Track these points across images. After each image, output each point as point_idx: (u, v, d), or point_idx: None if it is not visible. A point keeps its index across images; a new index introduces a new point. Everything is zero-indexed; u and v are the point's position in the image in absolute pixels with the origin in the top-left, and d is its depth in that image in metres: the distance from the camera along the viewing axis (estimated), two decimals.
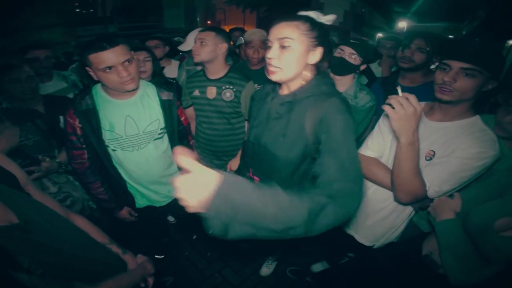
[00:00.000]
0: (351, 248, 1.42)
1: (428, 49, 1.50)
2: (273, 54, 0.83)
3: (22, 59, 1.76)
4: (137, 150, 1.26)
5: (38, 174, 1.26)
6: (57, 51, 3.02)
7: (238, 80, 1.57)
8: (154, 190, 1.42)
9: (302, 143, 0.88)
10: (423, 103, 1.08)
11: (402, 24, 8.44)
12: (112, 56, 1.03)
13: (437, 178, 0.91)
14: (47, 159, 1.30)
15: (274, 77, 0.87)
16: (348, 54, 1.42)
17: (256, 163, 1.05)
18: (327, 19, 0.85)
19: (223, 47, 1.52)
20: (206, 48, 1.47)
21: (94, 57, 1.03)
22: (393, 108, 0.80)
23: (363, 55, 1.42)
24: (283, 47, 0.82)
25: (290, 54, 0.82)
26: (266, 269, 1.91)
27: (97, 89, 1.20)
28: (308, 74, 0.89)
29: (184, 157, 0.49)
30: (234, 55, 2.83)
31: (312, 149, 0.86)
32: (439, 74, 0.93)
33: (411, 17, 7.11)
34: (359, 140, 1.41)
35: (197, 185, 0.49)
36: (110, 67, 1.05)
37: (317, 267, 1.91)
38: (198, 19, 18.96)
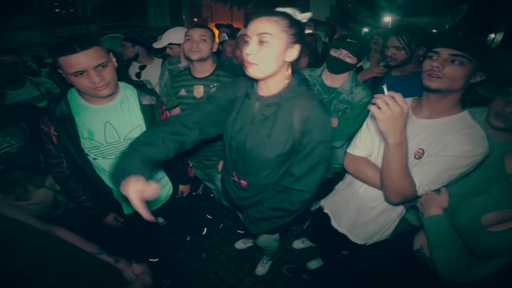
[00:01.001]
0: (345, 246, 1.42)
1: (402, 45, 1.50)
2: (251, 49, 0.81)
3: None
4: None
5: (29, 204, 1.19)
6: (37, 53, 2.87)
7: (226, 78, 1.53)
8: None
9: (290, 140, 0.91)
10: (410, 99, 1.07)
11: (387, 19, 8.58)
12: (83, 59, 0.94)
13: (426, 177, 0.90)
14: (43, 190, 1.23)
15: (251, 73, 0.84)
16: (345, 54, 1.40)
17: (241, 167, 1.04)
18: (303, 16, 0.84)
19: (215, 45, 1.50)
20: (207, 45, 1.44)
21: (64, 60, 0.94)
22: (379, 108, 0.78)
23: (360, 54, 1.41)
24: (261, 42, 0.80)
25: (269, 50, 0.81)
26: (262, 268, 1.90)
27: (73, 94, 1.11)
28: (287, 74, 0.90)
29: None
30: (217, 52, 2.79)
31: (297, 144, 0.92)
32: (428, 62, 0.92)
33: (396, 12, 7.22)
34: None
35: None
36: (81, 72, 0.96)
37: (313, 264, 1.91)
38: (184, 16, 18.56)
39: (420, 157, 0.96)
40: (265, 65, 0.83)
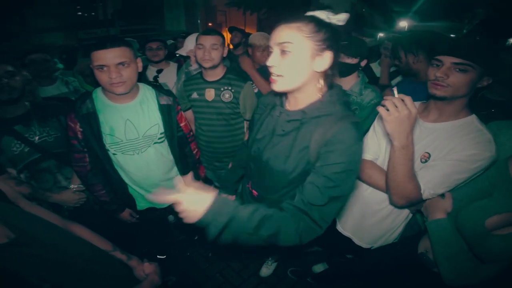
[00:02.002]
0: (350, 249, 1.42)
1: (392, 58, 1.57)
2: (273, 61, 0.75)
3: (21, 63, 1.79)
4: (138, 154, 1.26)
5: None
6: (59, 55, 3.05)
7: (236, 81, 1.58)
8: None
9: (304, 163, 0.81)
10: (417, 103, 1.07)
11: (403, 24, 8.43)
12: (108, 56, 1.05)
13: (432, 181, 0.90)
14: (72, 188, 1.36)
15: (276, 87, 0.78)
16: (343, 56, 1.44)
17: (255, 177, 1.02)
18: (338, 18, 0.73)
19: (226, 50, 1.56)
20: (218, 52, 1.49)
21: (94, 54, 1.06)
22: (388, 110, 0.79)
23: (357, 53, 1.43)
24: (283, 52, 0.73)
25: (291, 60, 0.73)
26: (266, 270, 1.92)
27: (98, 93, 1.21)
28: (319, 87, 0.79)
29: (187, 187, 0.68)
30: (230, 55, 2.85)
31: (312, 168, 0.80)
32: (432, 70, 0.93)
33: (412, 17, 7.10)
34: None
35: (194, 202, 0.66)
36: (103, 66, 1.06)
37: (319, 268, 1.91)
38: (198, 21, 18.96)
39: (426, 161, 0.96)
40: (290, 77, 0.75)
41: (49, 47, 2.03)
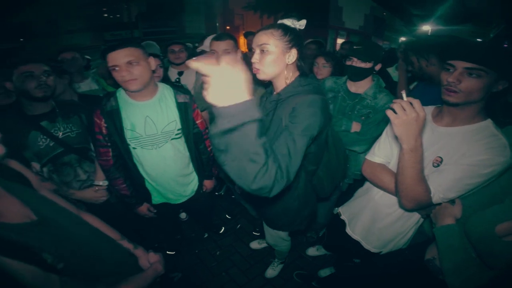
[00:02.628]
0: (358, 254, 1.41)
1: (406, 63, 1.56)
2: (255, 58, 0.99)
3: (54, 61, 1.93)
4: (155, 148, 1.34)
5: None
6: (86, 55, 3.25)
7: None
8: (170, 189, 1.50)
9: (279, 132, 0.97)
10: (432, 107, 1.06)
11: (426, 28, 8.14)
12: (118, 56, 1.15)
13: (442, 185, 0.89)
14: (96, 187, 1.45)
15: (258, 77, 1.01)
16: (356, 61, 1.45)
17: None
18: (300, 24, 1.00)
19: (239, 52, 1.60)
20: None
21: (108, 56, 1.17)
22: (396, 113, 0.80)
23: (371, 57, 1.43)
24: (262, 51, 0.97)
25: (268, 57, 0.96)
26: (272, 271, 1.93)
27: (120, 92, 1.31)
28: (290, 74, 1.02)
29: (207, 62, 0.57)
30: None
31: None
32: (444, 75, 0.91)
33: (436, 20, 6.84)
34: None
35: (230, 83, 0.57)
36: (116, 66, 1.16)
37: (325, 273, 1.90)
38: (217, 24, 19.31)
39: (438, 165, 0.94)
40: (267, 69, 0.99)
41: (78, 47, 2.16)
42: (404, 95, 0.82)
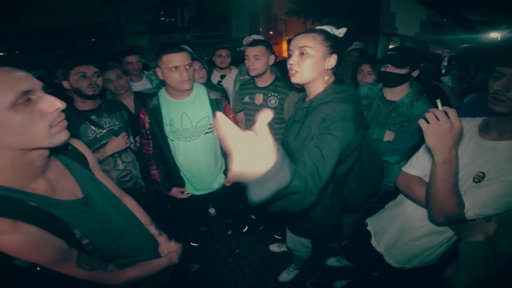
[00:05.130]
0: (378, 267, 1.33)
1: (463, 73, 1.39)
2: (293, 60, 0.98)
3: (120, 62, 2.23)
4: (189, 141, 1.50)
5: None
6: (144, 57, 3.63)
7: (283, 89, 1.67)
8: (200, 179, 1.63)
9: (309, 141, 0.98)
10: (479, 119, 0.98)
11: (494, 35, 7.15)
12: (180, 58, 1.30)
13: (479, 201, 0.82)
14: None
15: (293, 80, 1.00)
16: (390, 67, 1.39)
17: None
18: (339, 32, 0.99)
19: (272, 58, 1.67)
20: (261, 62, 1.63)
21: (167, 57, 1.31)
22: (428, 122, 0.76)
23: (405, 63, 1.36)
24: (302, 54, 0.95)
25: (308, 60, 0.95)
26: (286, 275, 1.92)
27: (162, 92, 1.49)
28: (326, 80, 0.99)
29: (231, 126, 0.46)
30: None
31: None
32: (492, 83, 0.84)
33: (506, 27, 5.96)
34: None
35: (259, 150, 0.47)
36: (176, 67, 1.30)
37: (341, 284, 1.83)
38: (260, 29, 19.67)
39: (479, 181, 0.86)
40: (305, 72, 0.97)
41: (139, 49, 2.44)
42: (439, 104, 0.77)
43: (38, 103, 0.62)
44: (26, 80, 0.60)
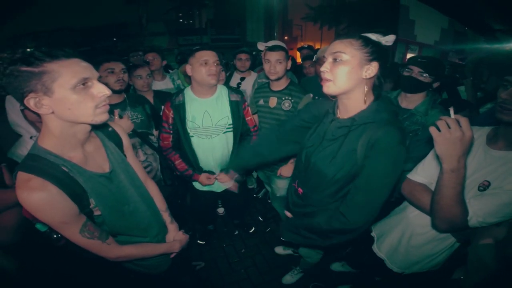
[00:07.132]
0: (380, 272, 1.32)
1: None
2: (325, 67, 0.89)
3: (142, 60, 2.33)
4: (209, 138, 1.59)
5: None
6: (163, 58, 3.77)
7: (297, 93, 1.71)
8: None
9: (350, 165, 0.91)
10: (488, 128, 0.98)
11: None
12: (210, 55, 1.45)
13: (483, 209, 0.82)
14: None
15: (326, 89, 0.90)
16: (417, 73, 1.39)
17: (303, 177, 1.10)
18: (386, 39, 0.87)
19: (289, 63, 1.72)
20: (282, 66, 1.68)
21: (199, 53, 1.44)
22: (440, 130, 0.75)
23: (433, 73, 1.36)
24: (335, 60, 0.86)
25: (342, 67, 0.85)
26: (290, 278, 1.93)
27: (187, 90, 1.59)
28: (365, 93, 0.89)
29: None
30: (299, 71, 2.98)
31: (359, 170, 0.90)
32: (500, 92, 0.85)
33: None
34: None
35: None
36: (206, 61, 1.43)
37: None
38: (275, 34, 19.72)
39: (484, 189, 0.87)
40: (339, 81, 0.86)
41: (158, 49, 2.56)
42: (451, 112, 0.77)
43: (91, 88, 0.75)
44: (87, 70, 0.74)
